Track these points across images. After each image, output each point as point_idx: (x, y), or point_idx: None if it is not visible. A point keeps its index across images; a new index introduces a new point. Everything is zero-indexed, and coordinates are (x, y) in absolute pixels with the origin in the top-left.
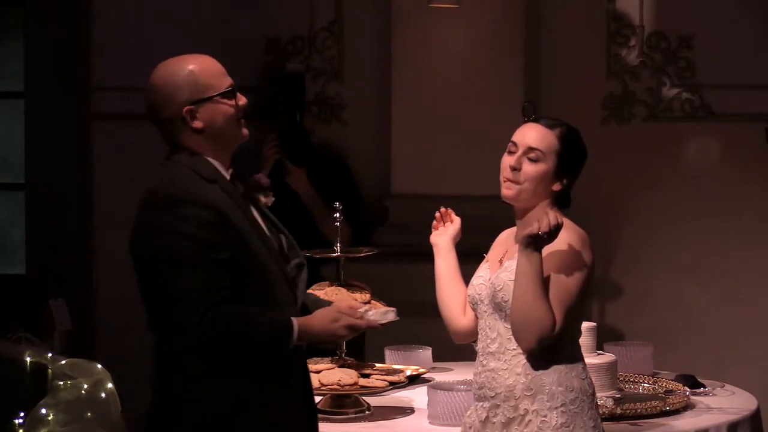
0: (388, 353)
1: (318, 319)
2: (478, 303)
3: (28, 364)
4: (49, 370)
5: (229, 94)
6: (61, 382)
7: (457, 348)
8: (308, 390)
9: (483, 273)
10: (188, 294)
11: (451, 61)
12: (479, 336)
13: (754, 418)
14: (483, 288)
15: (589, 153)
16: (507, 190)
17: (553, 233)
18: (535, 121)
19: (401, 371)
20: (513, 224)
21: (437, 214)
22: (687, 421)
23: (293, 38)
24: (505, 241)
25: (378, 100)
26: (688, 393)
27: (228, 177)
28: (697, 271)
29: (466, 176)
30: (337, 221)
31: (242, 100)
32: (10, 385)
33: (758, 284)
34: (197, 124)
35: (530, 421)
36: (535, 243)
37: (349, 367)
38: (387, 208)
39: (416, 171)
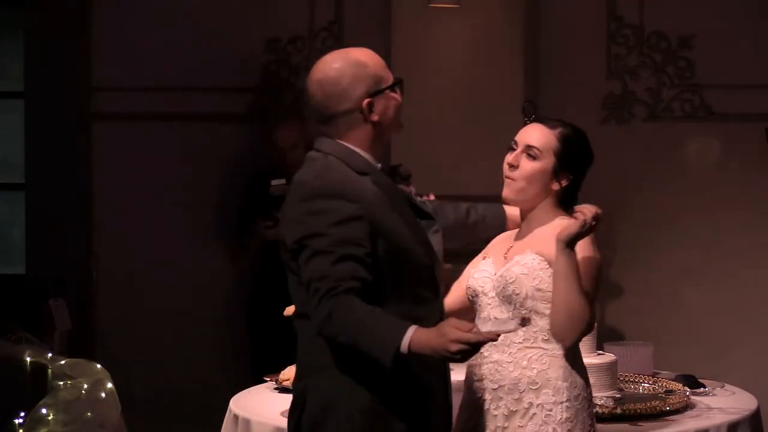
0: None
1: (433, 332)
2: (480, 295)
3: (28, 364)
4: (49, 370)
5: (398, 85)
6: (61, 382)
7: None
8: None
9: (487, 267)
10: (314, 282)
11: (451, 61)
12: (480, 328)
13: (754, 418)
14: (487, 281)
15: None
16: (506, 188)
17: (597, 220)
18: (539, 121)
19: None
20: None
21: None
22: (687, 421)
23: (293, 38)
24: (506, 240)
25: None
26: (688, 393)
27: (379, 168)
28: (698, 271)
29: (466, 176)
30: None
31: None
32: (10, 385)
33: (758, 284)
34: (374, 116)
35: (535, 414)
36: (575, 240)
37: None
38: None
39: (416, 171)
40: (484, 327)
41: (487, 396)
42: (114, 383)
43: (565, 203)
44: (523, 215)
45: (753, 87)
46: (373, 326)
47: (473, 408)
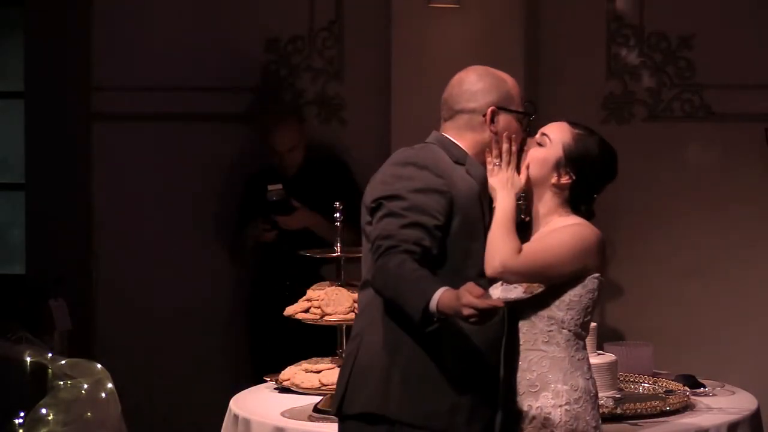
0: None
1: (451, 295)
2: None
3: (28, 364)
4: (49, 370)
5: (526, 117)
6: (61, 382)
7: None
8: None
9: None
10: (379, 240)
11: (451, 61)
12: (490, 294)
13: (754, 418)
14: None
15: None
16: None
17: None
18: (567, 122)
19: None
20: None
21: None
22: (687, 421)
23: (293, 38)
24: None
25: (378, 100)
26: (688, 393)
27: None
28: (698, 271)
29: None
30: (338, 221)
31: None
32: (10, 385)
33: (758, 284)
34: (493, 127)
35: (534, 417)
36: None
37: None
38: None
39: None
40: (494, 292)
41: None
42: (114, 383)
43: (572, 205)
44: (534, 211)
45: (753, 87)
46: (413, 282)
47: None
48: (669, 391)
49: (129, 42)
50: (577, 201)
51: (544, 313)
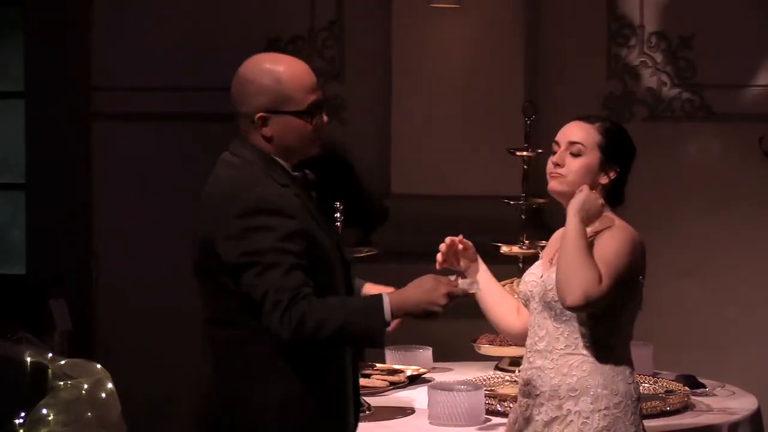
0: (389, 353)
1: (414, 289)
2: (530, 299)
3: (28, 364)
4: (49, 370)
5: (306, 114)
6: (61, 382)
7: (457, 348)
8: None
9: (536, 270)
10: (273, 295)
11: (451, 61)
12: (528, 332)
13: (754, 418)
14: (535, 285)
15: None
16: (553, 182)
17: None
18: (576, 118)
19: (401, 371)
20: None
21: (443, 247)
22: (687, 421)
23: (293, 38)
24: (557, 241)
25: (378, 100)
26: (688, 393)
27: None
28: (698, 271)
29: (466, 176)
30: (338, 221)
31: (323, 118)
32: (10, 385)
33: (758, 284)
34: (267, 132)
35: (571, 421)
36: (581, 208)
37: None
38: (387, 208)
39: (416, 171)
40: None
41: (531, 401)
42: (114, 383)
43: (612, 200)
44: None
45: (753, 87)
46: (353, 310)
47: (520, 412)
48: (669, 391)
49: (129, 42)
50: (619, 189)
51: (585, 318)
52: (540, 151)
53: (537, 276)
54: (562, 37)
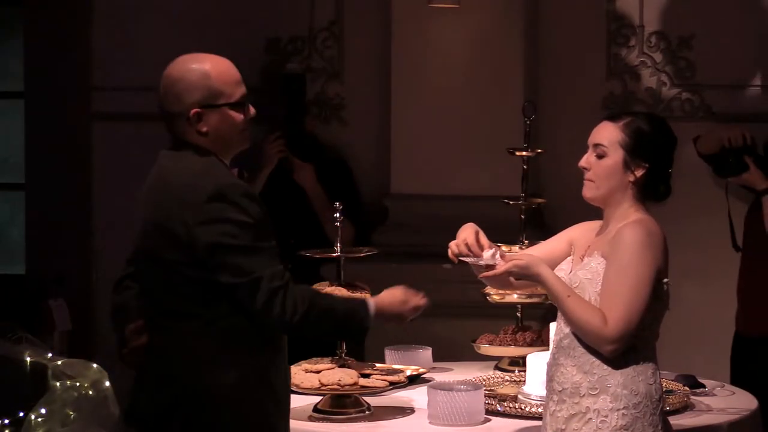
0: (388, 353)
1: (389, 299)
2: None
3: (28, 364)
4: (49, 370)
5: (239, 105)
6: (60, 382)
7: (457, 348)
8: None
9: (565, 266)
10: (269, 281)
11: (451, 61)
12: (555, 328)
13: (754, 418)
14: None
15: None
16: (584, 189)
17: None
18: (607, 118)
19: (401, 371)
20: (512, 227)
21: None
22: (687, 421)
23: (293, 38)
24: (588, 234)
25: (378, 100)
26: (688, 393)
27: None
28: (697, 271)
29: (466, 176)
30: (337, 221)
31: (251, 110)
32: (10, 385)
33: None
34: (202, 127)
35: (590, 419)
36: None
37: (349, 367)
38: (387, 208)
39: (416, 171)
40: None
41: (555, 397)
42: (113, 383)
43: (648, 195)
44: (605, 212)
45: (753, 87)
46: (341, 311)
47: (546, 408)
48: (669, 391)
49: (129, 42)
50: (655, 184)
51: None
52: (540, 150)
53: (566, 272)
54: (561, 38)
